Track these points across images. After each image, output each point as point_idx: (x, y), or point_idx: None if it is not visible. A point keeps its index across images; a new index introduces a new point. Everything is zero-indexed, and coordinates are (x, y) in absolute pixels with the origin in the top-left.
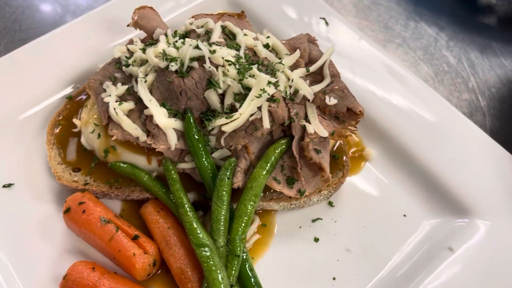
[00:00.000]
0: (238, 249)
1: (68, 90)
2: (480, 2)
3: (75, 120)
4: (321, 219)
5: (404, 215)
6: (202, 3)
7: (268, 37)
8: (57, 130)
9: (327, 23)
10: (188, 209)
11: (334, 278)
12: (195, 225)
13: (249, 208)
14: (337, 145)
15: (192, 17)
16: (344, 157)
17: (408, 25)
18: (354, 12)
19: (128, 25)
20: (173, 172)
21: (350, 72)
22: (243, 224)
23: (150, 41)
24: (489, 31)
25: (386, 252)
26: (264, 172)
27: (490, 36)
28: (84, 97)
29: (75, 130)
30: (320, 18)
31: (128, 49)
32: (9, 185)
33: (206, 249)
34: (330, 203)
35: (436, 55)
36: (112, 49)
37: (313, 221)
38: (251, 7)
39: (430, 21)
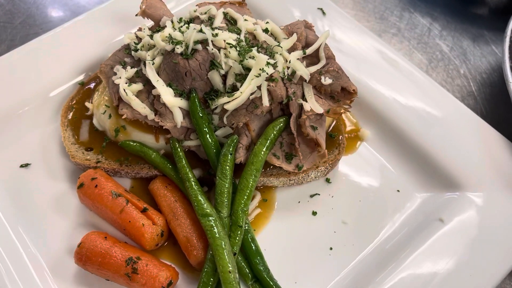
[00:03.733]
0: (241, 220)
1: (80, 77)
2: None
3: (87, 104)
4: (319, 194)
5: (398, 190)
6: None
7: (267, 22)
8: (70, 114)
9: (324, 13)
10: (193, 183)
11: (331, 248)
12: (199, 197)
13: (251, 182)
14: (333, 124)
15: (196, 6)
16: (340, 136)
17: (402, 16)
18: (351, 4)
19: (136, 15)
20: (179, 150)
21: (346, 58)
22: (245, 197)
23: (157, 28)
24: (481, 21)
25: (379, 224)
26: (264, 149)
27: (482, 25)
28: (95, 83)
29: (88, 113)
30: (318, 8)
31: (136, 36)
32: (26, 165)
33: (210, 218)
34: (327, 180)
35: (430, 44)
36: (121, 40)
37: (311, 196)
38: None
39: (424, 12)
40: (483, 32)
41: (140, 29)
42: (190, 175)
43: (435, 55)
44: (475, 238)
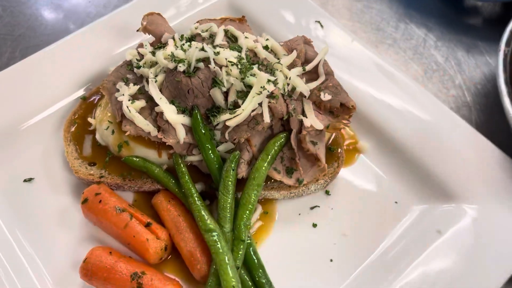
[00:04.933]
0: (243, 234)
1: (81, 91)
2: (466, 4)
3: (90, 119)
4: (319, 206)
5: (396, 202)
6: (205, 9)
7: (267, 39)
8: (73, 128)
9: (322, 26)
10: (196, 198)
11: (331, 260)
12: (203, 212)
13: (253, 197)
14: (332, 138)
15: (197, 22)
16: (339, 149)
17: (398, 26)
18: (347, 15)
19: (137, 30)
20: (182, 165)
21: (344, 71)
22: (248, 212)
23: (158, 44)
24: (475, 31)
25: (378, 236)
26: (265, 164)
27: (476, 36)
28: (97, 97)
29: (91, 128)
30: (316, 21)
31: (138, 52)
32: (30, 180)
33: (214, 233)
34: (327, 192)
35: (425, 55)
36: (121, 53)
37: (311, 208)
38: (251, 12)
39: (419, 23)
40: (477, 43)
41: (141, 45)
42: (193, 190)
43: (430, 65)
44: (472, 249)
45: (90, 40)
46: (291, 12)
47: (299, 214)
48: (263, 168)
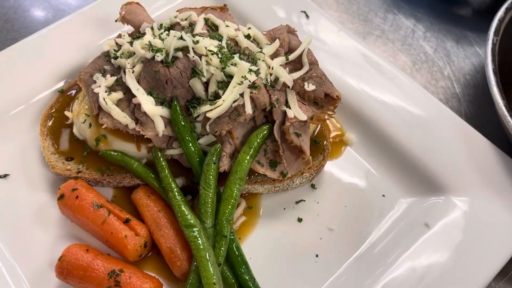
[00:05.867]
0: (225, 229)
1: (60, 84)
2: None
3: (66, 113)
4: (304, 200)
5: (383, 195)
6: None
7: (249, 28)
8: (50, 122)
9: (307, 16)
10: (176, 193)
11: (317, 255)
12: (183, 208)
13: (235, 191)
14: (317, 130)
15: (177, 11)
16: (325, 142)
17: (386, 17)
18: (334, 6)
19: (116, 20)
20: (161, 159)
21: (330, 62)
22: (230, 206)
23: (137, 34)
24: (464, 22)
25: (365, 230)
26: (248, 157)
27: (465, 26)
28: (75, 91)
29: (68, 122)
30: (301, 11)
31: (116, 43)
32: (5, 176)
33: (194, 229)
34: (313, 186)
35: (414, 46)
36: (101, 45)
37: (297, 202)
38: (235, 2)
39: (408, 13)
40: (467, 33)
41: (120, 36)
42: (173, 185)
43: (419, 56)
44: (460, 243)
45: (70, 32)
46: (276, 2)
47: (284, 209)
48: (246, 161)
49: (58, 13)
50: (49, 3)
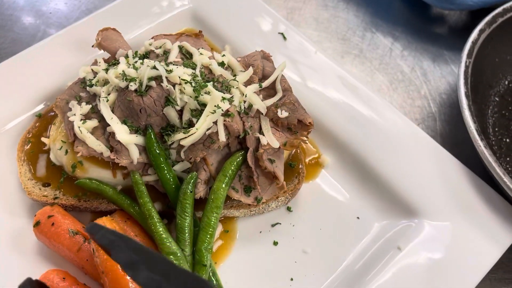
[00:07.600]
0: (205, 259)
1: (38, 108)
2: (433, 12)
3: (43, 139)
4: (280, 223)
5: (358, 218)
6: (167, 20)
7: (223, 55)
8: (27, 147)
9: (285, 38)
10: (156, 220)
11: (291, 279)
12: (164, 236)
13: (213, 220)
14: (292, 153)
15: (152, 38)
16: (300, 165)
17: (365, 36)
18: (314, 25)
19: (92, 46)
20: (141, 184)
21: (306, 84)
22: (209, 236)
23: (113, 61)
24: (441, 40)
25: (340, 253)
26: (223, 185)
27: (442, 45)
28: (53, 113)
29: (45, 148)
30: (279, 33)
31: (92, 70)
32: None
33: (176, 256)
34: (289, 208)
35: (391, 65)
36: (80, 68)
37: (273, 225)
38: (213, 23)
39: (386, 32)
40: (443, 52)
41: (95, 62)
42: (153, 211)
43: (396, 76)
44: (432, 265)
45: (49, 55)
46: (254, 23)
47: (260, 232)
48: (221, 189)
49: (38, 34)
50: (30, 23)
